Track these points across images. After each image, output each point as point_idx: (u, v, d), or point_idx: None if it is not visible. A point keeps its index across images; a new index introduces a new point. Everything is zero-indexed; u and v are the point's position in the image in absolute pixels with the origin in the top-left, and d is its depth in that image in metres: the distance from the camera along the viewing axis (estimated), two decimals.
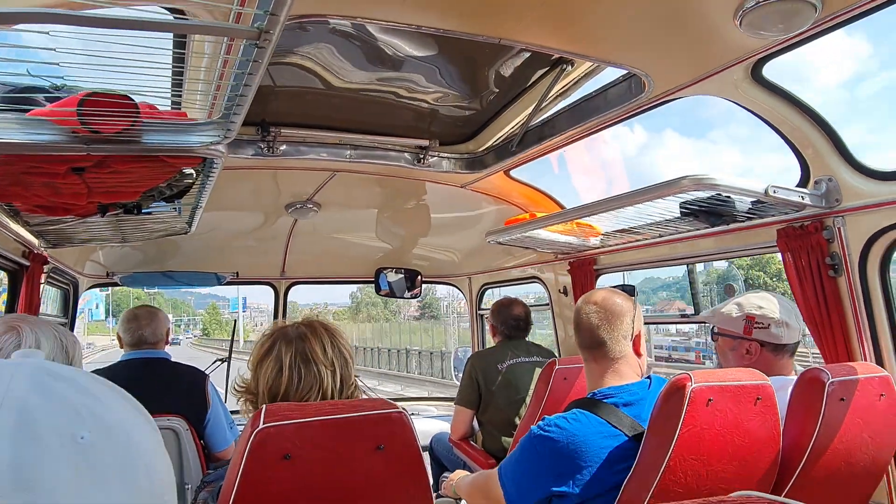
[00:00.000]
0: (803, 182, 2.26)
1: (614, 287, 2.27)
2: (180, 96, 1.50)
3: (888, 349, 2.15)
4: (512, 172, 3.22)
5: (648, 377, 1.93)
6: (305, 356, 1.58)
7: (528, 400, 3.35)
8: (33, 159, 1.44)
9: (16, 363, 0.51)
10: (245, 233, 4.28)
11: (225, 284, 4.61)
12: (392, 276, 4.91)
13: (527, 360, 3.49)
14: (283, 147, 2.89)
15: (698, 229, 2.61)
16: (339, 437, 1.34)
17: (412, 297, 4.93)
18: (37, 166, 1.47)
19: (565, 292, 3.72)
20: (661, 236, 2.80)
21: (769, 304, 2.23)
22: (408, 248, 4.76)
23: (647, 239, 2.93)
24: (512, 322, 3.61)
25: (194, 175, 1.79)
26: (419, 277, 4.87)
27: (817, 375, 1.89)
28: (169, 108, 1.54)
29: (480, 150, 3.11)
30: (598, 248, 3.24)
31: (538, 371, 3.35)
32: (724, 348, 2.34)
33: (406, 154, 3.11)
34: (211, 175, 1.80)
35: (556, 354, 3.78)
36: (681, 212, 2.37)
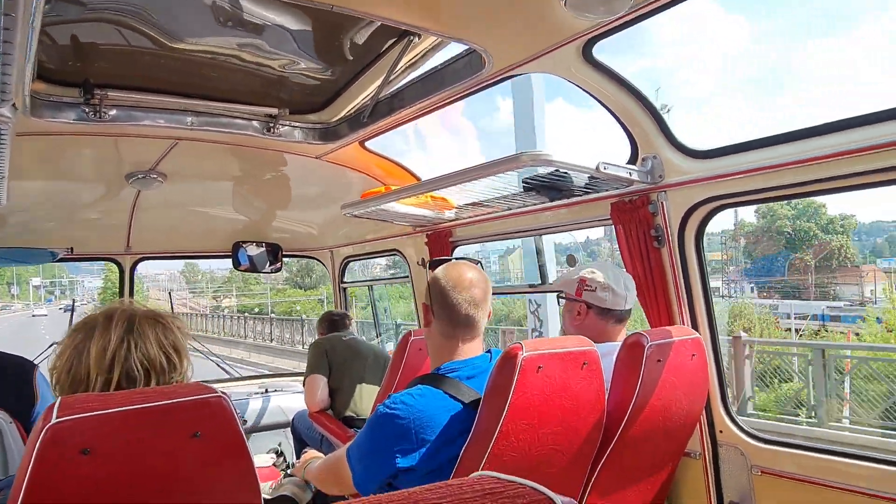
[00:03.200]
0: (633, 159, 2.41)
1: (462, 258, 2.31)
2: None
3: (701, 313, 2.38)
4: (367, 144, 3.17)
5: (489, 351, 1.98)
6: (123, 344, 1.46)
7: (368, 362, 3.71)
8: None
9: None
10: (83, 205, 3.89)
11: (59, 261, 4.19)
12: (253, 250, 4.71)
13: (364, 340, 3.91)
14: (114, 112, 2.63)
15: (542, 203, 2.71)
16: (148, 426, 1.25)
17: (273, 272, 4.77)
18: None
19: (424, 264, 3.76)
20: (509, 209, 2.88)
21: (601, 271, 2.38)
22: (268, 220, 4.58)
23: (497, 212, 3.01)
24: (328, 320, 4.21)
25: None
26: (280, 251, 4.71)
27: (638, 339, 2.05)
28: None
29: (333, 120, 3.02)
30: (454, 220, 3.29)
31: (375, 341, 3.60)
32: (564, 314, 2.49)
33: (254, 122, 2.95)
34: (2, 142, 1.59)
35: (418, 325, 3.83)
36: (523, 186, 2.45)
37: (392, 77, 2.49)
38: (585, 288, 2.35)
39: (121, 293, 4.48)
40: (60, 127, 2.58)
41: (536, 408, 1.80)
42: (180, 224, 4.40)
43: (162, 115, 2.74)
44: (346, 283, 4.81)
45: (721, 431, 2.40)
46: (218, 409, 1.35)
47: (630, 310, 2.43)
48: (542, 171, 2.30)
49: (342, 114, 2.98)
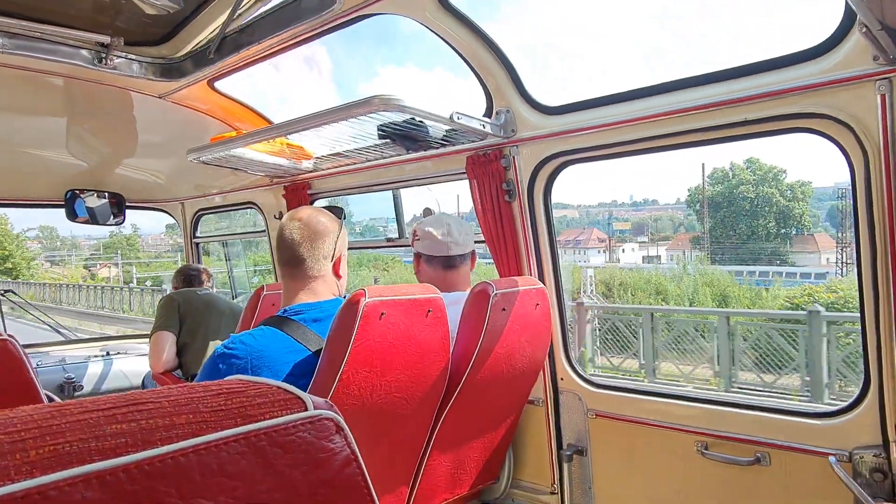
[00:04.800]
0: (488, 112, 2.42)
1: (323, 207, 2.23)
2: None
3: (547, 265, 2.46)
4: (217, 85, 2.94)
5: (344, 296, 1.93)
6: None
7: (224, 318, 3.53)
8: None
9: None
10: None
11: None
12: (93, 201, 4.26)
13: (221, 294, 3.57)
14: None
15: (400, 155, 2.67)
16: None
17: (116, 224, 4.36)
18: None
19: (281, 217, 3.60)
20: (367, 161, 2.81)
21: (429, 221, 2.43)
22: (110, 167, 4.14)
23: (357, 163, 2.92)
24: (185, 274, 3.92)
25: None
26: (124, 202, 4.30)
27: (484, 288, 2.08)
28: None
29: (177, 56, 2.76)
30: (312, 171, 3.16)
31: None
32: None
33: (83, 51, 2.62)
34: None
35: (275, 280, 3.69)
36: (378, 134, 2.39)
37: (240, 10, 2.31)
38: (415, 238, 2.41)
39: None
40: None
41: (379, 354, 1.77)
42: (2, 166, 3.87)
43: None
44: (198, 237, 4.51)
45: (562, 379, 2.52)
46: (4, 354, 1.19)
47: (457, 256, 2.44)
48: (398, 119, 2.24)
49: (187, 49, 2.73)
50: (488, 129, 2.29)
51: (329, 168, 3.09)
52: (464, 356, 2.08)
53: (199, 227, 4.50)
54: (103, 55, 2.64)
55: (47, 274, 52.41)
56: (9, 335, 1.20)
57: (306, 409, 0.50)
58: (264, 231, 3.86)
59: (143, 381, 3.87)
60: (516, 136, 2.36)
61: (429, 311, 1.91)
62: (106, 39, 2.58)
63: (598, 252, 46.11)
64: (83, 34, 2.55)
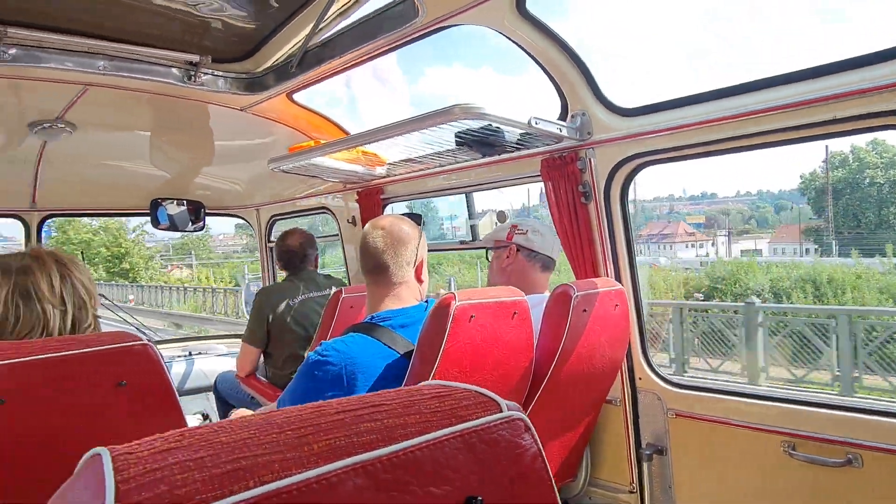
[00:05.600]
0: (563, 116, 2.45)
1: (402, 214, 2.32)
2: None
3: (624, 266, 2.48)
4: (295, 97, 3.07)
5: (427, 301, 2.00)
6: (27, 291, 1.38)
7: (315, 335, 3.37)
8: None
9: None
10: None
11: None
12: (173, 209, 4.49)
13: (318, 294, 3.47)
14: (14, 51, 2.42)
15: (474, 159, 2.73)
16: (68, 375, 1.20)
17: (195, 231, 4.58)
18: None
19: (354, 222, 3.71)
20: (441, 166, 2.88)
21: (532, 221, 2.49)
22: (189, 176, 4.37)
23: (429, 168, 3.00)
24: (285, 255, 3.56)
25: None
26: (203, 209, 4.52)
27: (566, 290, 2.12)
28: None
29: (259, 70, 2.90)
30: (385, 177, 3.25)
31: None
32: (492, 263, 2.55)
33: (174, 69, 2.79)
34: None
35: (348, 284, 3.80)
36: (456, 141, 2.45)
37: (321, 25, 2.41)
38: (517, 231, 2.45)
39: None
40: None
41: (468, 356, 1.84)
42: (93, 179, 4.13)
43: (70, 58, 2.55)
44: (273, 242, 4.68)
45: (640, 378, 2.53)
46: (144, 357, 1.31)
47: (555, 261, 2.51)
48: (475, 126, 2.30)
49: (268, 63, 2.86)
50: (564, 132, 2.33)
51: (402, 173, 3.18)
52: (546, 356, 2.13)
53: (272, 232, 4.68)
54: (192, 73, 2.79)
55: (171, 275, 45.99)
56: (147, 340, 1.31)
57: (501, 411, 0.56)
58: (336, 235, 3.99)
59: (216, 380, 4.02)
60: (592, 139, 2.38)
61: (514, 313, 1.96)
62: (195, 58, 2.74)
63: (686, 247, 42.49)
64: (175, 54, 2.71)
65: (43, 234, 4.22)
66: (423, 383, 0.60)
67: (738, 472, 2.27)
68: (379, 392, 0.55)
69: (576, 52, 2.28)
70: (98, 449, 0.41)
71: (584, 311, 2.16)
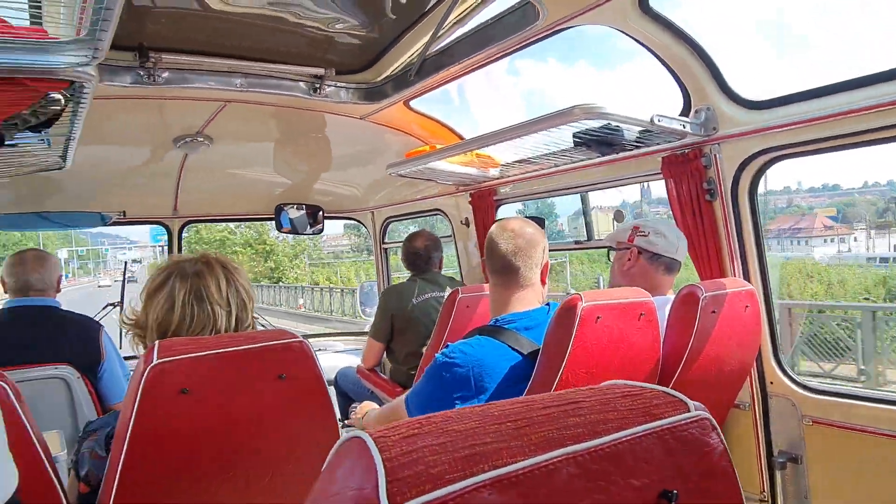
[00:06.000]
0: (685, 111, 2.39)
1: (527, 217, 2.35)
2: (39, 10, 1.33)
3: (754, 265, 2.38)
4: (412, 104, 3.18)
5: (548, 304, 2.02)
6: (199, 294, 1.53)
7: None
8: None
9: None
10: (131, 169, 3.99)
11: (111, 224, 4.32)
12: (293, 213, 4.79)
13: (440, 294, 3.59)
14: (166, 75, 2.68)
15: (591, 158, 2.71)
16: (238, 368, 1.33)
17: (314, 234, 4.85)
18: None
19: (467, 223, 3.79)
20: (556, 166, 2.89)
21: (654, 221, 2.43)
22: (309, 182, 4.64)
23: (543, 169, 3.01)
24: (411, 256, 3.68)
25: (62, 101, 1.63)
26: (321, 213, 4.78)
27: (693, 291, 2.06)
28: (27, 25, 1.37)
29: (378, 79, 3.03)
30: (498, 178, 3.30)
31: None
32: (613, 264, 2.52)
33: (301, 83, 2.98)
34: (82, 102, 1.65)
35: (462, 283, 3.89)
36: (574, 142, 2.45)
37: (440, 33, 2.49)
38: (638, 234, 2.38)
39: (170, 256, 4.61)
40: (117, 90, 2.64)
41: (595, 357, 1.84)
42: (224, 187, 4.49)
43: (213, 78, 2.78)
44: (386, 243, 4.87)
45: (772, 383, 2.42)
46: (300, 353, 1.42)
47: (680, 263, 2.44)
48: (595, 125, 2.29)
49: (387, 73, 2.99)
50: (688, 128, 2.27)
51: (515, 174, 3.21)
52: (672, 359, 2.08)
53: (386, 234, 4.87)
54: (317, 85, 2.97)
55: (320, 274, 43.87)
56: (302, 337, 1.43)
57: (689, 410, 0.59)
58: (450, 236, 4.08)
59: (336, 375, 4.22)
60: (717, 134, 2.30)
61: (641, 314, 1.94)
62: (320, 71, 2.91)
63: (825, 241, 38.46)
64: (302, 69, 2.90)
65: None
66: (608, 383, 0.64)
67: (882, 484, 2.12)
68: (574, 390, 0.59)
69: (700, 45, 2.22)
70: (356, 433, 0.47)
71: (713, 312, 2.09)
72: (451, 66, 2.61)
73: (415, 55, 2.75)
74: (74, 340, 2.86)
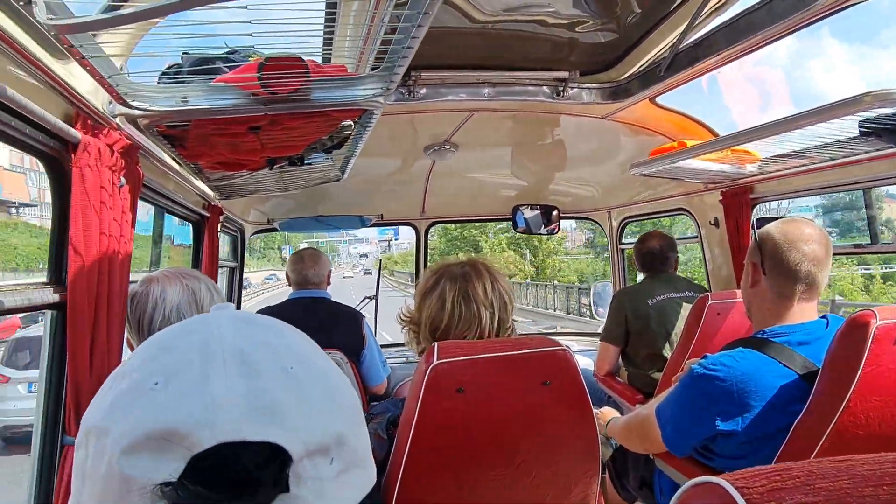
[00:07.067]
0: None
1: (796, 217, 2.10)
2: (339, 51, 1.55)
3: None
4: (658, 99, 3.04)
5: (825, 316, 1.81)
6: (467, 295, 1.66)
7: (674, 335, 3.30)
8: (219, 122, 1.59)
9: (216, 316, 0.58)
10: (387, 177, 4.45)
11: (370, 226, 4.87)
12: (528, 213, 4.91)
13: (676, 295, 3.42)
14: (423, 90, 2.92)
15: (878, 150, 2.34)
16: (507, 372, 1.41)
17: (549, 234, 4.92)
18: (222, 128, 1.62)
19: (716, 224, 3.52)
20: (832, 159, 2.54)
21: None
22: (544, 183, 4.72)
23: (813, 163, 2.67)
24: (647, 257, 3.56)
25: (353, 126, 1.89)
26: (556, 213, 4.82)
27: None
28: (331, 64, 1.61)
29: (623, 77, 2.96)
30: (756, 175, 3.01)
31: (686, 307, 3.27)
32: None
33: (545, 87, 3.03)
34: (368, 125, 1.88)
35: (708, 289, 3.64)
36: (860, 131, 2.14)
37: (696, 24, 2.34)
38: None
39: (417, 252, 5.06)
40: (385, 108, 2.95)
41: (892, 384, 1.60)
42: (466, 189, 4.77)
43: (463, 89, 2.96)
44: (624, 244, 4.75)
45: None
46: (563, 361, 1.47)
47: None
48: (889, 112, 1.97)
49: (633, 70, 2.90)
50: None
51: (777, 170, 2.90)
52: None
53: (623, 234, 4.75)
54: (560, 89, 2.99)
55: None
56: (566, 346, 1.47)
57: None
58: (695, 237, 3.84)
59: None
60: None
61: None
62: (564, 74, 2.92)
63: None
64: (546, 73, 2.95)
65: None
66: None
67: None
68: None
69: None
70: (711, 478, 0.48)
71: None
72: (707, 59, 2.43)
73: (665, 50, 2.63)
74: (344, 329, 3.27)
